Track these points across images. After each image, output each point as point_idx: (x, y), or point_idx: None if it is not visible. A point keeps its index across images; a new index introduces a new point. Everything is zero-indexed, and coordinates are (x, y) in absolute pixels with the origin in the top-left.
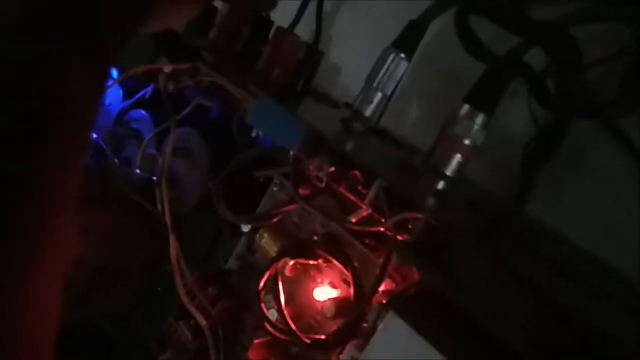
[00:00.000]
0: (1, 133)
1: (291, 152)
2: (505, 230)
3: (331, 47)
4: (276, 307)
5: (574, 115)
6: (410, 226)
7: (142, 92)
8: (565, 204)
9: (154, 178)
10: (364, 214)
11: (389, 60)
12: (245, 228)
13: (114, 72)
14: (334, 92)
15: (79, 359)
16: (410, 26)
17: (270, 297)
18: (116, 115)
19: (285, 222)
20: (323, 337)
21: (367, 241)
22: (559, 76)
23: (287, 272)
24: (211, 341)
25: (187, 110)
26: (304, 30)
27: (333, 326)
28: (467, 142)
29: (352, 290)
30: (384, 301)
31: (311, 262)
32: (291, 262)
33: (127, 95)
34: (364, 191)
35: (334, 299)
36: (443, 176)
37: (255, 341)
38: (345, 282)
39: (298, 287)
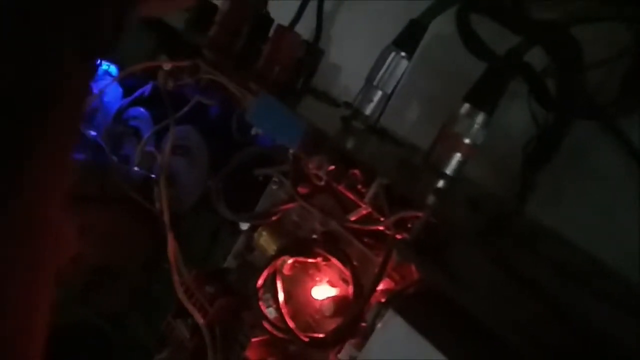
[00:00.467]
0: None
1: (291, 151)
2: (506, 230)
3: (331, 46)
4: (274, 305)
5: (574, 116)
6: (409, 225)
7: (142, 89)
8: (565, 203)
9: (153, 176)
10: (364, 212)
11: (389, 59)
12: (244, 226)
13: (114, 69)
14: (334, 91)
15: (78, 359)
16: (410, 25)
17: (268, 295)
18: (115, 113)
19: (284, 221)
20: (322, 335)
21: (366, 240)
22: (560, 76)
23: (286, 271)
24: (209, 339)
25: (186, 108)
26: (305, 29)
27: (332, 325)
28: (467, 141)
29: (351, 289)
30: (383, 300)
31: (310, 260)
32: (290, 261)
33: (127, 92)
34: (363, 190)
35: (332, 297)
36: (443, 175)
37: (253, 340)
38: (344, 280)
39: (297, 286)
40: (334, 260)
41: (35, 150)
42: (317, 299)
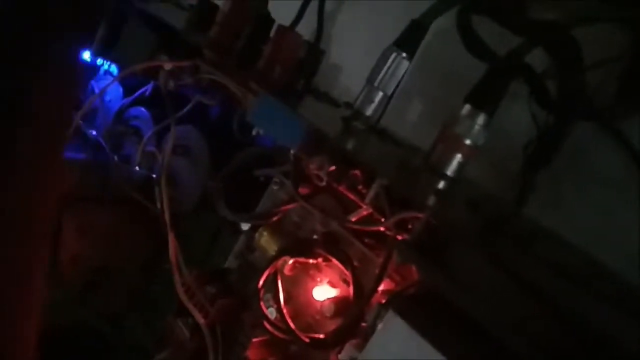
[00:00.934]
0: None
1: (291, 151)
2: (505, 231)
3: (332, 46)
4: (275, 305)
5: (575, 117)
6: (410, 226)
7: (142, 89)
8: (565, 205)
9: (154, 176)
10: (364, 213)
11: (390, 60)
12: (245, 226)
13: (114, 69)
14: (335, 91)
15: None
16: (411, 26)
17: (269, 295)
18: (116, 113)
19: (285, 221)
20: (322, 336)
21: (367, 240)
22: (560, 77)
23: (287, 271)
24: (209, 340)
25: (187, 108)
26: (306, 29)
27: (332, 325)
28: (467, 142)
29: (351, 289)
30: (384, 301)
31: (311, 261)
32: (290, 261)
33: (127, 92)
34: (364, 190)
35: (333, 298)
36: (443, 176)
37: (254, 340)
38: (345, 281)
39: (297, 286)
40: (335, 261)
41: (25, 150)
42: (317, 300)
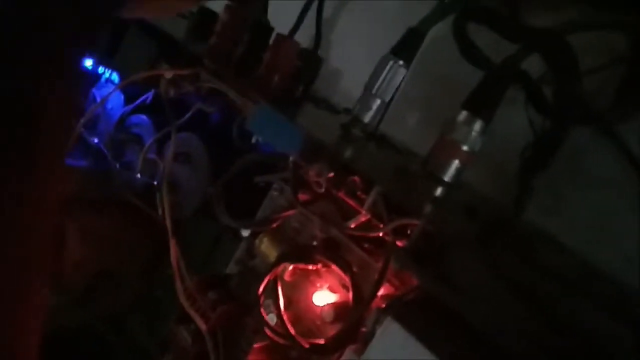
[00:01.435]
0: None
1: (291, 158)
2: (503, 236)
3: (331, 53)
4: (275, 311)
5: (571, 122)
6: (408, 231)
7: (143, 97)
8: (563, 210)
9: (155, 183)
10: (363, 219)
11: (387, 67)
12: (245, 233)
13: (116, 77)
14: (334, 98)
15: None
16: (408, 33)
17: (269, 301)
18: (117, 120)
19: (284, 227)
20: (322, 341)
21: (366, 246)
22: (556, 83)
23: (287, 277)
24: (211, 345)
25: (187, 116)
26: (304, 37)
27: (332, 331)
28: (465, 148)
29: (351, 295)
30: (383, 306)
31: (310, 267)
32: (290, 267)
33: (129, 100)
34: (363, 197)
35: (333, 303)
36: (441, 182)
37: (255, 345)
38: (345, 287)
39: (297, 292)
40: (334, 267)
41: (29, 153)
42: (317, 305)
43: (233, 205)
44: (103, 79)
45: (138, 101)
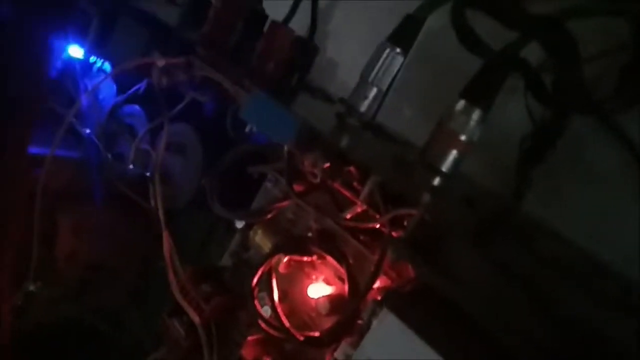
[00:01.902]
0: None
1: (285, 148)
2: (501, 227)
3: (327, 42)
4: (270, 304)
5: (571, 111)
6: (405, 222)
7: (136, 87)
8: (562, 200)
9: (147, 174)
10: (359, 210)
11: (384, 55)
12: (240, 224)
13: (107, 67)
14: (330, 87)
15: (72, 357)
16: (406, 20)
17: (264, 294)
18: (109, 111)
19: (279, 219)
20: (317, 334)
21: (362, 237)
22: (556, 72)
23: (281, 269)
24: (204, 338)
25: (180, 106)
26: (299, 25)
27: (327, 323)
28: (463, 137)
29: (346, 287)
30: (379, 298)
31: (305, 258)
32: (285, 259)
33: (121, 90)
34: (359, 187)
35: (328, 295)
36: (439, 172)
37: (249, 338)
38: (340, 279)
39: (292, 284)
40: (330, 259)
41: None
42: (312, 298)
43: (227, 197)
44: (95, 69)
45: (130, 91)
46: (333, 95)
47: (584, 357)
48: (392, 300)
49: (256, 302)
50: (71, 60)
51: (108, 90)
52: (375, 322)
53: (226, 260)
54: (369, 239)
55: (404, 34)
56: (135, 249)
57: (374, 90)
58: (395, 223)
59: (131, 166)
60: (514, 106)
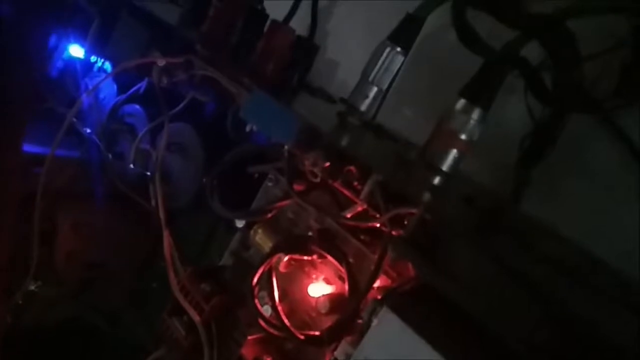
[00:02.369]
0: None
1: (286, 147)
2: (501, 226)
3: (327, 41)
4: (270, 303)
5: (571, 110)
6: (405, 222)
7: (136, 86)
8: (562, 199)
9: (148, 173)
10: (359, 209)
11: (384, 54)
12: (240, 224)
13: (108, 66)
14: (330, 86)
15: (71, 356)
16: (406, 19)
17: (264, 293)
18: (110, 110)
19: (279, 218)
20: (317, 333)
21: (362, 237)
22: (556, 70)
23: (282, 268)
24: (205, 337)
25: (181, 105)
26: (300, 24)
27: (327, 322)
28: (463, 137)
29: (346, 286)
30: (379, 297)
31: (306, 258)
32: (285, 258)
33: (121, 90)
34: (359, 187)
35: (328, 295)
36: (439, 171)
37: (249, 337)
38: (340, 278)
39: (292, 283)
40: (330, 258)
41: None
42: (313, 297)
43: (228, 196)
44: (95, 68)
45: (131, 91)
46: (334, 94)
47: (583, 355)
48: (392, 299)
49: (256, 301)
50: (72, 60)
51: (109, 90)
52: (375, 322)
53: (226, 260)
54: (369, 238)
55: (404, 33)
56: (135, 249)
57: (375, 90)
58: (395, 222)
59: (132, 166)
60: (514, 105)
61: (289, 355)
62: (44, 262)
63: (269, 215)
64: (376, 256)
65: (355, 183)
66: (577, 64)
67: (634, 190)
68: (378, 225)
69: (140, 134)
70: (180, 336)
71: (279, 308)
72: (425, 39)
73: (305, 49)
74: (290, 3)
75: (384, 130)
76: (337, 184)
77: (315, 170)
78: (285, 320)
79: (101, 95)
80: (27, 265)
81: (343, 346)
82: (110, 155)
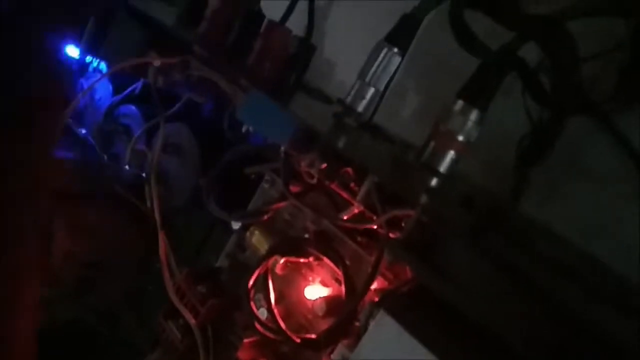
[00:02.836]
0: None
1: (282, 148)
2: (500, 228)
3: (324, 41)
4: (266, 305)
5: (569, 111)
6: (402, 223)
7: (132, 87)
8: (560, 201)
9: (143, 174)
10: (356, 211)
11: (381, 55)
12: (236, 225)
13: (103, 67)
14: (327, 87)
15: (68, 357)
16: (403, 20)
17: (260, 295)
18: (106, 111)
19: (276, 220)
20: (314, 336)
21: (359, 239)
22: (554, 72)
23: (278, 270)
24: (201, 340)
25: (177, 106)
26: (296, 24)
27: (324, 325)
28: (460, 138)
29: (343, 288)
30: (376, 299)
31: (302, 260)
32: (282, 260)
33: (117, 90)
34: (356, 188)
35: (325, 297)
36: (436, 173)
37: (245, 340)
38: (337, 280)
39: (289, 286)
40: (326, 260)
41: (16, 148)
42: (309, 299)
43: (224, 197)
44: (91, 69)
45: (127, 91)
46: (331, 95)
47: (582, 355)
48: (389, 302)
49: (252, 303)
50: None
51: (104, 91)
52: (372, 324)
53: (222, 262)
54: (366, 240)
55: (401, 34)
56: (131, 250)
57: (372, 91)
58: (392, 224)
59: (127, 167)
60: (511, 106)
61: (286, 358)
62: (42, 262)
63: (266, 217)
64: (373, 258)
65: (352, 184)
66: (575, 65)
67: (633, 190)
68: (375, 227)
69: (136, 135)
70: (176, 339)
71: (275, 311)
72: (423, 38)
73: (302, 50)
74: (287, 3)
75: (380, 131)
76: (333, 186)
77: (312, 171)
78: (282, 323)
79: (97, 96)
80: None
81: (340, 349)
82: (105, 156)
